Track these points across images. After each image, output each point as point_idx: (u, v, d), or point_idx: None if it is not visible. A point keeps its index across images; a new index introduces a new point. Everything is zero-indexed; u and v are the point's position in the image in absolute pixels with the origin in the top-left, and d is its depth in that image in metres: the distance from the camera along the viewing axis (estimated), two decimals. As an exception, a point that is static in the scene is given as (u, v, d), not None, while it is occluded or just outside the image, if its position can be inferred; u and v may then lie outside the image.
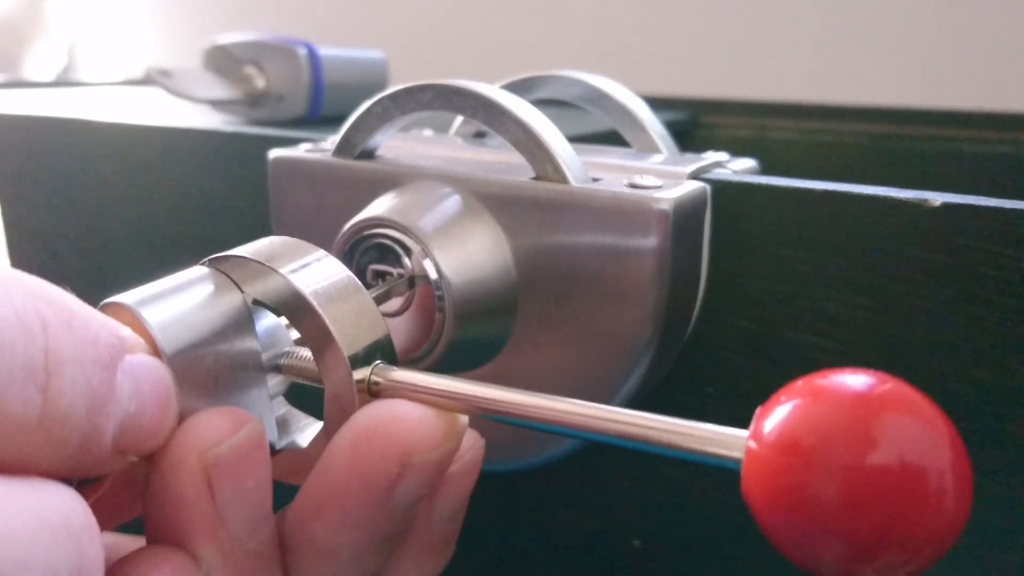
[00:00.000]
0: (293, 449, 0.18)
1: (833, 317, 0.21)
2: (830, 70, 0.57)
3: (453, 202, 0.21)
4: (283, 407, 0.19)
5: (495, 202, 0.21)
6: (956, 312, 0.19)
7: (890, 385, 0.11)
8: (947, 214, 0.19)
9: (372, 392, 0.16)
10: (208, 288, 0.16)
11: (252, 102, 0.36)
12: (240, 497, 0.15)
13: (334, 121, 0.28)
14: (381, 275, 0.21)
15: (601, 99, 0.26)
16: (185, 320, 0.15)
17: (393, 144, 0.25)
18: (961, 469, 0.11)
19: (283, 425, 0.18)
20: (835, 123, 0.46)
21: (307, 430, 0.18)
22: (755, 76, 0.60)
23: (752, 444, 0.12)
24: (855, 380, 0.11)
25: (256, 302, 0.17)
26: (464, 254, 0.20)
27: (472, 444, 0.18)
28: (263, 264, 0.16)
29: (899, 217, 0.19)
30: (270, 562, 0.16)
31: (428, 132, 0.29)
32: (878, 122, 0.45)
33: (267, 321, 0.18)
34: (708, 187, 0.21)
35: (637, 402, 0.21)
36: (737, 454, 0.12)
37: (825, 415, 0.11)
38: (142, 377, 0.15)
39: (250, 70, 0.36)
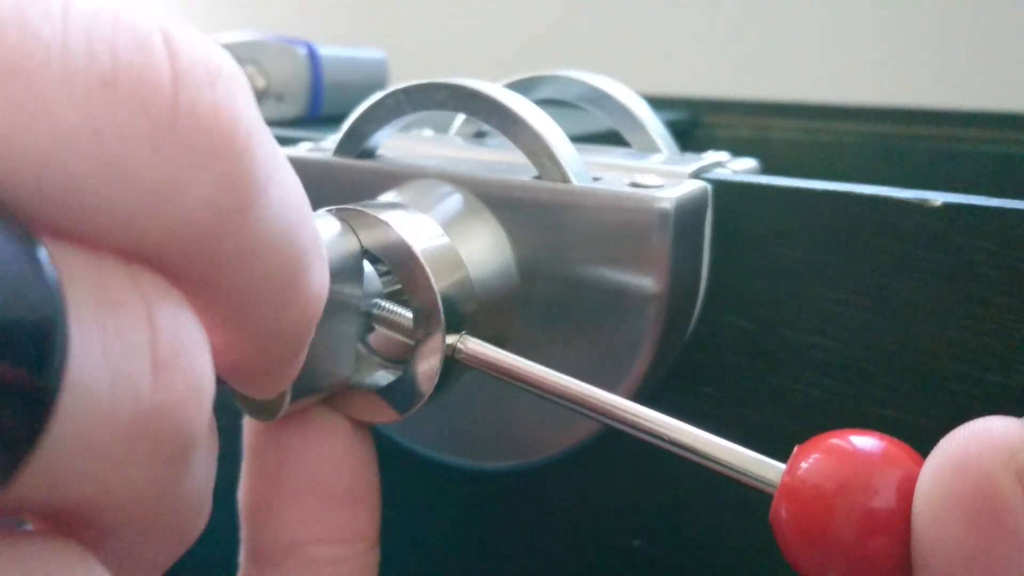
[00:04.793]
0: (367, 388, 0.19)
1: (833, 317, 0.21)
2: (830, 70, 0.57)
3: (455, 201, 0.21)
4: (360, 348, 0.20)
5: (497, 201, 0.21)
6: (956, 312, 0.19)
7: (885, 444, 0.15)
8: (947, 214, 0.19)
9: (453, 358, 0.18)
10: (334, 231, 0.18)
11: (252, 102, 0.36)
12: None
13: (334, 121, 0.28)
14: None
15: (601, 99, 0.26)
16: None
17: (393, 144, 0.24)
18: None
19: (357, 365, 0.20)
20: (835, 123, 0.46)
21: (378, 373, 0.20)
22: (755, 76, 0.60)
23: (788, 479, 0.15)
24: (863, 441, 0.15)
25: (365, 250, 0.18)
26: (466, 253, 0.20)
27: None
28: (385, 223, 0.18)
29: (899, 217, 0.20)
30: None
31: (428, 132, 0.29)
32: (878, 122, 0.45)
33: (367, 269, 0.19)
34: (709, 187, 0.21)
35: (637, 401, 0.21)
36: (773, 480, 0.15)
37: (843, 469, 0.14)
38: None
39: (250, 70, 0.36)
